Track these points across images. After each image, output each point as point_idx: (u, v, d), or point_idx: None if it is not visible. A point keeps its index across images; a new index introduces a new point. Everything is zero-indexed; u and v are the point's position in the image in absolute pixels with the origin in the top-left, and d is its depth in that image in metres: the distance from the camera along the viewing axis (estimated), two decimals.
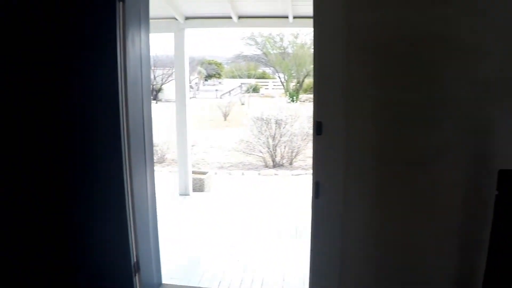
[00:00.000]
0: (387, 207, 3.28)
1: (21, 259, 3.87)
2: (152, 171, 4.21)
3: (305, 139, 13.04)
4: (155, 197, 4.33)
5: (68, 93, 3.53)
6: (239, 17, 7.69)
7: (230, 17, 7.62)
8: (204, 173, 9.30)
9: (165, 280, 4.73)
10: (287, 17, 7.44)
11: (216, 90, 31.36)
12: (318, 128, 3.20)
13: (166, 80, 27.45)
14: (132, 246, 3.78)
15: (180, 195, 8.34)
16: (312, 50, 3.19)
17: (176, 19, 7.82)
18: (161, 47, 27.38)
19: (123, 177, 3.58)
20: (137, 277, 3.89)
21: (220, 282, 4.87)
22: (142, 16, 3.86)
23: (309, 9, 6.72)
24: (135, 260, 3.83)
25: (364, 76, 3.15)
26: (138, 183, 3.82)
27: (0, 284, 3.88)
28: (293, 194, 8.83)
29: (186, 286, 4.79)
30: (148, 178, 4.08)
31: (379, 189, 3.26)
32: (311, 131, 11.24)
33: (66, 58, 3.51)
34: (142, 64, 3.88)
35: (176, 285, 4.78)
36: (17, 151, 3.67)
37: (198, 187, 8.79)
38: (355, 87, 3.15)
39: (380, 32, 3.08)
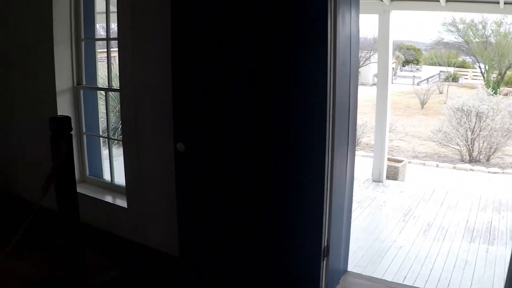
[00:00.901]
0: None
1: (217, 238, 3.97)
2: (353, 155, 4.09)
3: (505, 135, 12.32)
4: (352, 182, 4.22)
5: (279, 71, 3.49)
6: (447, 1, 7.32)
7: (437, 0, 7.28)
8: (399, 161, 9.06)
9: (350, 267, 4.61)
10: (497, 2, 6.94)
11: (414, 76, 30.56)
12: None
13: (363, 63, 27.24)
14: (325, 230, 3.70)
15: (373, 181, 8.17)
16: None
17: (382, 0, 7.61)
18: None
19: (324, 159, 3.48)
20: (325, 261, 3.81)
21: (405, 278, 4.66)
22: None
23: None
24: (325, 244, 3.74)
25: None
26: (338, 166, 3.71)
27: (200, 257, 4.02)
28: (489, 193, 8.29)
29: (371, 277, 4.63)
30: (348, 162, 3.98)
31: None
32: None
33: (277, 35, 3.46)
34: (351, 45, 3.75)
35: (360, 274, 4.64)
36: (227, 131, 3.71)
37: (392, 175, 8.58)
38: None
39: None
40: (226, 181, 3.78)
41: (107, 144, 5.46)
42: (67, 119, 3.72)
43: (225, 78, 3.61)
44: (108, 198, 5.14)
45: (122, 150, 4.76)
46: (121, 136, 5.32)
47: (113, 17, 4.88)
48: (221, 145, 3.72)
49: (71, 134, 3.72)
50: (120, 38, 4.53)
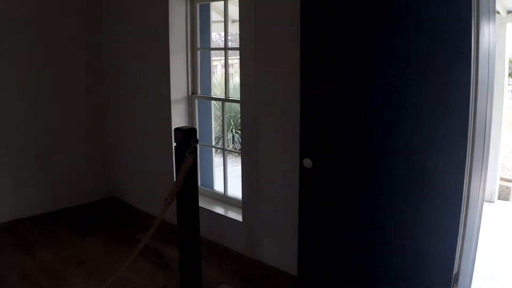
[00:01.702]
0: None
1: (339, 260, 3.80)
2: (485, 177, 3.84)
3: None
4: (482, 205, 3.97)
5: (416, 86, 3.28)
6: None
7: None
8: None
9: None
10: None
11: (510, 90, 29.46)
12: None
13: None
14: (457, 255, 3.48)
15: (484, 201, 7.76)
16: None
17: (498, 13, 7.29)
18: None
19: (463, 180, 3.26)
20: None
21: None
22: (491, 5, 3.47)
23: None
24: (456, 270, 3.51)
25: None
26: (474, 187, 3.47)
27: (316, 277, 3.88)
28: None
29: None
30: (481, 182, 3.73)
31: None
32: None
33: (415, 50, 3.25)
34: (489, 61, 3.51)
35: None
36: (359, 148, 3.54)
37: (504, 195, 8.16)
38: None
39: None
40: (355, 202, 3.61)
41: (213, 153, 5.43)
42: (193, 130, 3.65)
43: (358, 92, 3.45)
44: (221, 210, 5.09)
45: (228, 160, 4.72)
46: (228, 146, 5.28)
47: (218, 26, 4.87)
48: (352, 163, 3.56)
49: (196, 146, 3.64)
50: (242, 47, 4.45)
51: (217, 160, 5.62)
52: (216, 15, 6.57)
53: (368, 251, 3.66)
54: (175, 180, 5.31)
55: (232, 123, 10.24)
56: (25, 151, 5.96)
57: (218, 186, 5.49)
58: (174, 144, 3.71)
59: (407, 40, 3.25)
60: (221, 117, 5.60)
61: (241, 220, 4.77)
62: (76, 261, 4.84)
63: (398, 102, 3.34)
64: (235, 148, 9.92)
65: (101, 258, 4.94)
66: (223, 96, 5.39)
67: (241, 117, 4.68)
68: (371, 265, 3.68)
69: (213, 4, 5.40)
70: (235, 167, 6.76)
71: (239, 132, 9.45)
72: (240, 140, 9.53)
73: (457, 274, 3.51)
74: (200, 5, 5.25)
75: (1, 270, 4.67)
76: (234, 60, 9.47)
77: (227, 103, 5.30)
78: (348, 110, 3.51)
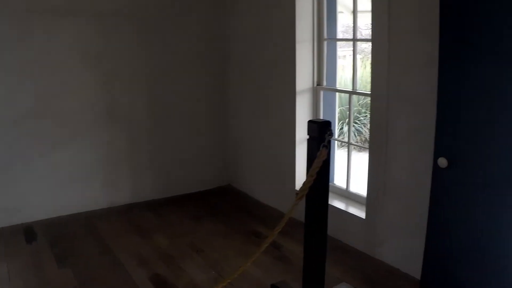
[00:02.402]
0: None
1: (469, 271, 3.57)
2: None
3: None
4: None
5: None
6: None
7: None
8: None
9: None
10: None
11: None
12: None
13: None
14: None
15: None
16: None
17: None
18: None
19: None
20: None
21: None
22: None
23: None
24: None
25: None
26: None
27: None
28: None
29: None
30: None
31: None
32: None
33: None
34: None
35: None
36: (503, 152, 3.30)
37: None
38: None
39: None
40: (493, 208, 3.36)
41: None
42: (327, 123, 3.55)
43: (508, 92, 3.20)
44: (342, 206, 4.99)
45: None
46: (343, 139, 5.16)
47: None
48: (494, 165, 3.32)
49: (330, 140, 3.53)
50: (374, 39, 4.30)
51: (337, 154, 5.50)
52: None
53: (504, 264, 3.41)
54: (296, 172, 5.33)
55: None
56: (144, 137, 6.13)
57: (338, 180, 5.37)
58: (307, 137, 3.61)
59: None
60: (337, 109, 5.48)
61: (363, 217, 4.64)
62: (192, 249, 4.89)
63: None
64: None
65: (218, 247, 4.97)
66: (345, 88, 5.25)
67: (370, 112, 4.55)
68: (505, 279, 3.43)
69: None
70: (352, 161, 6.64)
71: (355, 124, 9.30)
72: (356, 133, 9.40)
73: None
74: None
75: (119, 253, 4.80)
76: (347, 52, 9.26)
77: (343, 95, 5.16)
78: (492, 111, 3.27)
